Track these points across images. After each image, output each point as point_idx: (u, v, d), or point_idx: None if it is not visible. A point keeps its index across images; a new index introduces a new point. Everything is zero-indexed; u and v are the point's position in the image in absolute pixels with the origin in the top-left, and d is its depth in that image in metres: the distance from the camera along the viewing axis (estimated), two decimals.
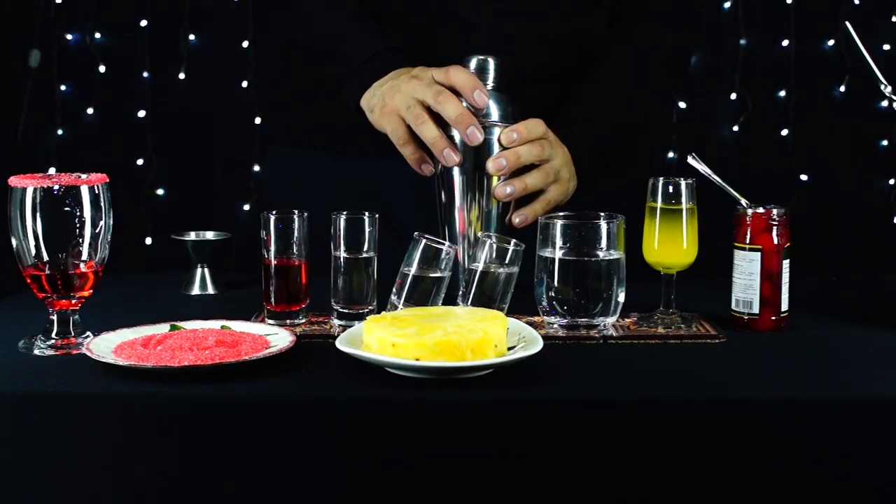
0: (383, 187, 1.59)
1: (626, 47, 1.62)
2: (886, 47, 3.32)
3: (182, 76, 3.34)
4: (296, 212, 1.31)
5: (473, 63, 1.40)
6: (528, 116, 1.39)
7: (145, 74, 3.34)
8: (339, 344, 1.11)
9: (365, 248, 1.30)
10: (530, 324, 1.24)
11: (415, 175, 1.42)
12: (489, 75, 1.40)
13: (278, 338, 1.20)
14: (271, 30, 1.94)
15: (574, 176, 1.45)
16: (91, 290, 1.22)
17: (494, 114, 1.37)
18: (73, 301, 1.21)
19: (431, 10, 1.55)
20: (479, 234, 1.36)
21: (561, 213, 1.35)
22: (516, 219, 1.39)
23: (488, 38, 1.52)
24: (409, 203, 1.52)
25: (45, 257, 1.18)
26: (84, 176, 1.19)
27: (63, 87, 3.34)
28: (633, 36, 1.62)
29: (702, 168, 1.33)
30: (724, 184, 1.32)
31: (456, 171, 1.38)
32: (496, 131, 1.37)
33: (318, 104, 1.64)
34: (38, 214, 1.17)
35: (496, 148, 1.37)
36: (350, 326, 1.25)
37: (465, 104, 1.35)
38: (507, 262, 1.28)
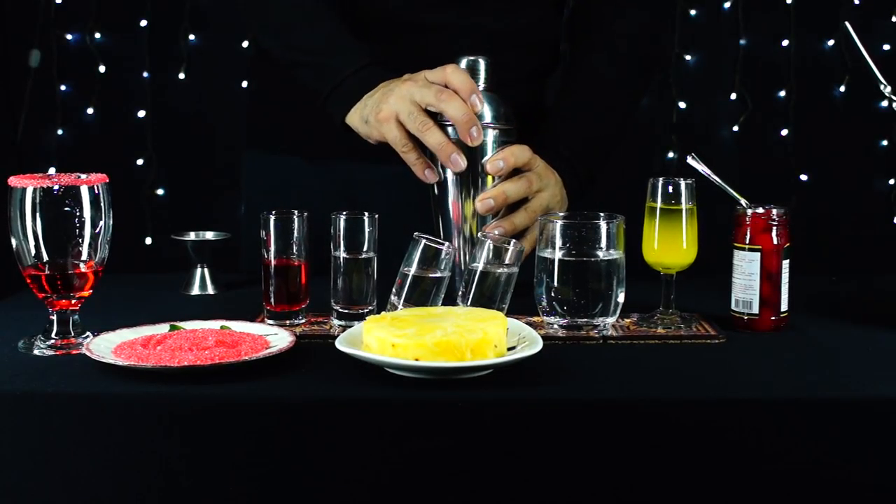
0: (360, 189, 1.58)
1: (599, 40, 1.61)
2: (886, 47, 3.33)
3: (182, 76, 3.34)
4: (295, 212, 1.31)
5: (464, 63, 1.39)
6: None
7: (145, 74, 3.35)
8: (339, 344, 1.11)
9: (365, 248, 1.30)
10: (530, 324, 1.24)
11: (391, 176, 1.40)
12: (480, 76, 1.39)
13: (278, 338, 1.20)
14: (253, 36, 1.90)
15: (566, 199, 1.45)
16: (91, 290, 1.22)
17: (487, 115, 1.37)
18: (73, 301, 1.21)
19: (402, 17, 1.53)
20: (479, 234, 1.35)
21: (561, 213, 1.35)
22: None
23: (460, 43, 1.49)
24: (388, 205, 1.46)
25: (45, 257, 1.18)
26: (84, 176, 1.19)
27: (63, 87, 3.34)
28: (606, 29, 1.61)
29: (702, 168, 1.33)
30: (723, 184, 1.32)
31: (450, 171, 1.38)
32: (490, 132, 1.37)
33: (293, 110, 1.61)
34: (37, 214, 1.17)
35: (490, 149, 1.37)
36: (350, 326, 1.25)
37: None
38: (506, 262, 1.28)
